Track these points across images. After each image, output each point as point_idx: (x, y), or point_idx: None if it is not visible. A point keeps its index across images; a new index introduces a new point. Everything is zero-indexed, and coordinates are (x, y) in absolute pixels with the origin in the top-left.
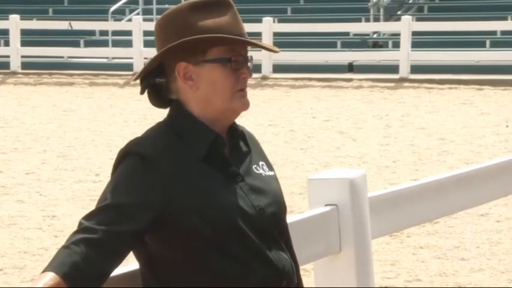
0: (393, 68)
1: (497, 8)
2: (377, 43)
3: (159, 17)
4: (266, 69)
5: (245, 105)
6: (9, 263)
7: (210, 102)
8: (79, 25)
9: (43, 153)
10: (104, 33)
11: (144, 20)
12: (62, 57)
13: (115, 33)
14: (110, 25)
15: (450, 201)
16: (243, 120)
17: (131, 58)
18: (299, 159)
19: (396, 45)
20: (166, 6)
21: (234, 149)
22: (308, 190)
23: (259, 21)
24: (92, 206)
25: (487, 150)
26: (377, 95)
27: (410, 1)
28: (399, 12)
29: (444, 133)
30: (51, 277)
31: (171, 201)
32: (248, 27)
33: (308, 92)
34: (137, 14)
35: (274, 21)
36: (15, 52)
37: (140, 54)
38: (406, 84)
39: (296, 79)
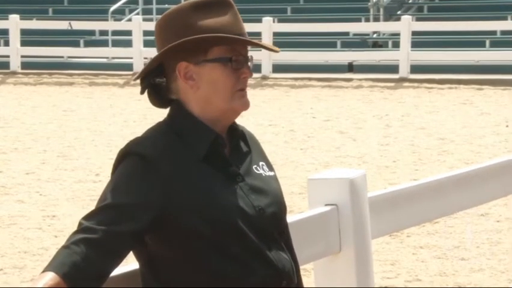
0: (393, 68)
1: (497, 8)
2: (377, 43)
3: (159, 17)
4: (266, 69)
5: (245, 105)
6: (9, 263)
7: (211, 102)
8: (78, 25)
9: (43, 153)
10: (104, 33)
11: (144, 20)
12: (62, 57)
13: (114, 33)
14: (110, 25)
15: (450, 201)
16: (243, 120)
17: (131, 58)
18: (299, 159)
19: (396, 45)
20: (166, 6)
21: (234, 149)
22: (308, 190)
23: (259, 21)
24: (92, 206)
25: (487, 150)
26: (377, 95)
27: (410, 1)
28: (399, 12)
29: (444, 133)
30: (51, 277)
31: (171, 201)
32: (248, 27)
33: (308, 92)
34: (137, 14)
35: (274, 21)
36: (15, 52)
37: (140, 54)
38: (406, 84)
39: (296, 79)
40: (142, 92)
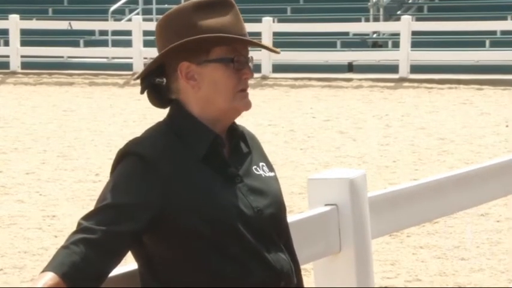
0: (393, 68)
1: (497, 8)
2: (377, 43)
3: (159, 17)
4: (266, 69)
5: (247, 106)
6: (9, 263)
7: (212, 102)
8: (78, 25)
9: (43, 153)
10: (104, 33)
11: (144, 20)
12: (62, 57)
13: (114, 33)
14: (110, 25)
15: (450, 201)
16: (243, 120)
17: (131, 58)
18: (299, 159)
19: (396, 45)
20: (166, 6)
21: (234, 149)
22: (308, 190)
23: (259, 21)
24: (92, 206)
25: (487, 150)
26: (377, 95)
27: (410, 1)
28: (399, 12)
29: (444, 133)
30: (50, 277)
31: (170, 201)
32: (248, 27)
33: (308, 92)
34: (137, 14)
35: (274, 21)
36: (15, 52)
37: (140, 54)
38: (406, 84)
39: (296, 79)
40: (142, 92)
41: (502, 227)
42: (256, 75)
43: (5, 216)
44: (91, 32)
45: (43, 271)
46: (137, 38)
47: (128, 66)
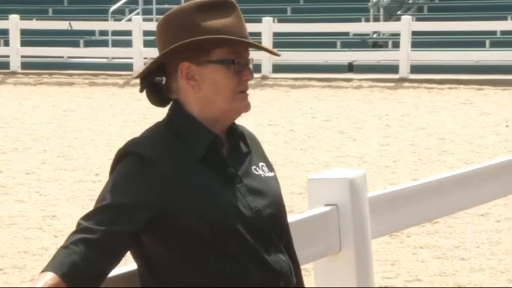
0: (393, 68)
1: (497, 8)
2: (377, 43)
3: (159, 17)
4: (266, 69)
5: (246, 107)
6: (9, 263)
7: (212, 102)
8: (78, 25)
9: (43, 153)
10: (104, 33)
11: (144, 20)
12: (62, 57)
13: (114, 33)
14: (110, 25)
15: (450, 201)
16: (243, 120)
17: (131, 58)
18: (299, 159)
19: (396, 45)
20: (166, 6)
21: (233, 149)
22: (308, 190)
23: (259, 21)
24: (92, 206)
25: (487, 150)
26: (377, 95)
27: (410, 1)
28: (399, 12)
29: (444, 133)
30: (50, 277)
31: (170, 201)
32: (248, 27)
33: (308, 92)
34: (137, 14)
35: (274, 21)
36: (15, 52)
37: (140, 54)
38: (406, 84)
39: (296, 79)
40: (141, 91)
41: (502, 227)
42: (256, 75)
43: (5, 216)
44: (91, 32)
45: (43, 271)
46: (137, 38)
47: (128, 66)
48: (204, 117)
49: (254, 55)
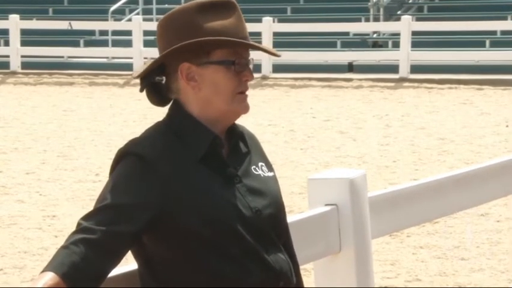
0: (393, 68)
1: (497, 8)
2: (377, 43)
3: (159, 16)
4: (266, 69)
5: (245, 109)
6: (9, 263)
7: (211, 103)
8: (78, 25)
9: (43, 153)
10: (104, 33)
11: (144, 20)
12: (62, 57)
13: (114, 33)
14: (110, 25)
15: (450, 201)
16: (243, 120)
17: (131, 58)
18: (299, 159)
19: (396, 45)
20: (166, 6)
21: (233, 149)
22: (308, 190)
23: (259, 21)
24: (92, 206)
25: (487, 150)
26: (377, 95)
27: (410, 1)
28: (399, 12)
29: (444, 133)
30: (50, 277)
31: (170, 201)
32: (248, 27)
33: (308, 92)
34: (137, 14)
35: (274, 21)
36: (15, 52)
37: (140, 54)
38: (406, 84)
39: (296, 79)
40: (141, 90)
41: (502, 227)
42: (256, 75)
43: (5, 216)
44: (91, 32)
45: (43, 271)
46: (137, 38)
47: (128, 66)
48: (203, 118)
49: (254, 55)
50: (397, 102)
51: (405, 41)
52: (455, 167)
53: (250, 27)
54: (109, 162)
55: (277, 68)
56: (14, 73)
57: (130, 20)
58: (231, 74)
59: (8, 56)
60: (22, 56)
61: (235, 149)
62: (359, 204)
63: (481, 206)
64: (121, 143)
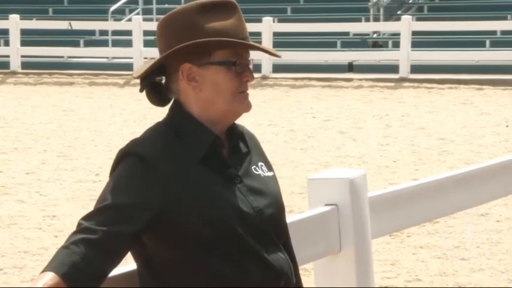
0: (393, 68)
1: (497, 8)
2: (377, 43)
3: (159, 16)
4: (266, 69)
5: (247, 107)
6: (9, 263)
7: (212, 103)
8: (78, 25)
9: (43, 153)
10: (104, 33)
11: (144, 19)
12: (62, 57)
13: (114, 33)
14: (110, 25)
15: (450, 201)
16: (243, 120)
17: (131, 58)
18: (299, 159)
19: (396, 45)
20: (166, 6)
21: (233, 150)
22: (308, 190)
23: (259, 21)
24: (92, 206)
25: (487, 150)
26: (377, 95)
27: (410, 1)
28: (399, 12)
29: (444, 133)
30: (50, 277)
31: (170, 201)
32: (248, 27)
33: (308, 92)
34: (137, 13)
35: (274, 21)
36: (15, 52)
37: (140, 54)
38: (406, 84)
39: (296, 79)
40: (141, 90)
41: (502, 227)
42: (256, 75)
43: (5, 216)
44: (91, 32)
45: (43, 271)
46: (137, 38)
47: (128, 66)
48: (204, 118)
49: (254, 55)
50: (397, 102)
51: (405, 41)
52: (455, 167)
53: (250, 27)
54: (109, 162)
55: (277, 68)
56: (14, 73)
57: (130, 20)
58: (231, 74)
59: (8, 56)
60: (22, 56)
61: (236, 149)
62: (359, 204)
63: (481, 206)
64: (121, 143)
